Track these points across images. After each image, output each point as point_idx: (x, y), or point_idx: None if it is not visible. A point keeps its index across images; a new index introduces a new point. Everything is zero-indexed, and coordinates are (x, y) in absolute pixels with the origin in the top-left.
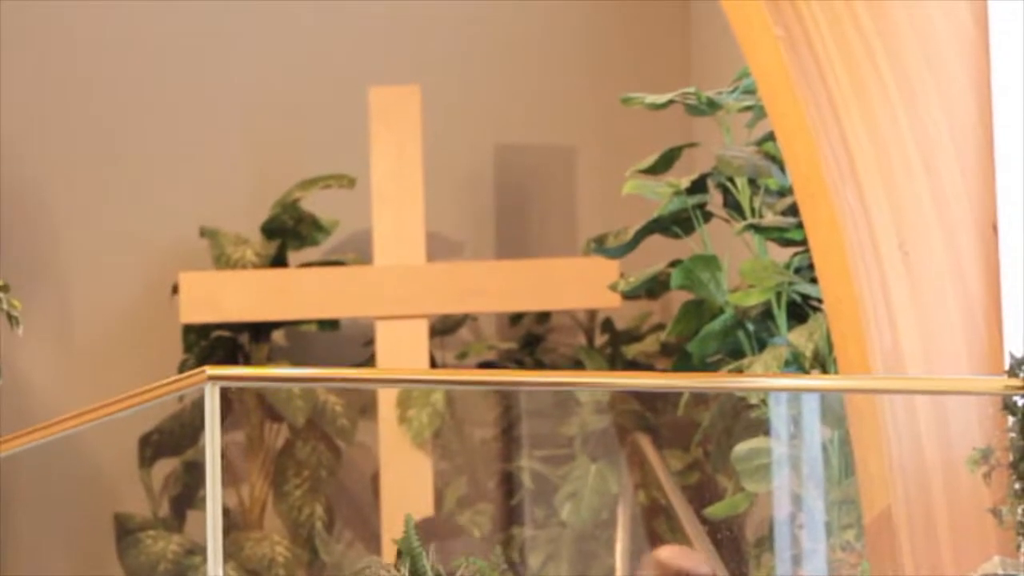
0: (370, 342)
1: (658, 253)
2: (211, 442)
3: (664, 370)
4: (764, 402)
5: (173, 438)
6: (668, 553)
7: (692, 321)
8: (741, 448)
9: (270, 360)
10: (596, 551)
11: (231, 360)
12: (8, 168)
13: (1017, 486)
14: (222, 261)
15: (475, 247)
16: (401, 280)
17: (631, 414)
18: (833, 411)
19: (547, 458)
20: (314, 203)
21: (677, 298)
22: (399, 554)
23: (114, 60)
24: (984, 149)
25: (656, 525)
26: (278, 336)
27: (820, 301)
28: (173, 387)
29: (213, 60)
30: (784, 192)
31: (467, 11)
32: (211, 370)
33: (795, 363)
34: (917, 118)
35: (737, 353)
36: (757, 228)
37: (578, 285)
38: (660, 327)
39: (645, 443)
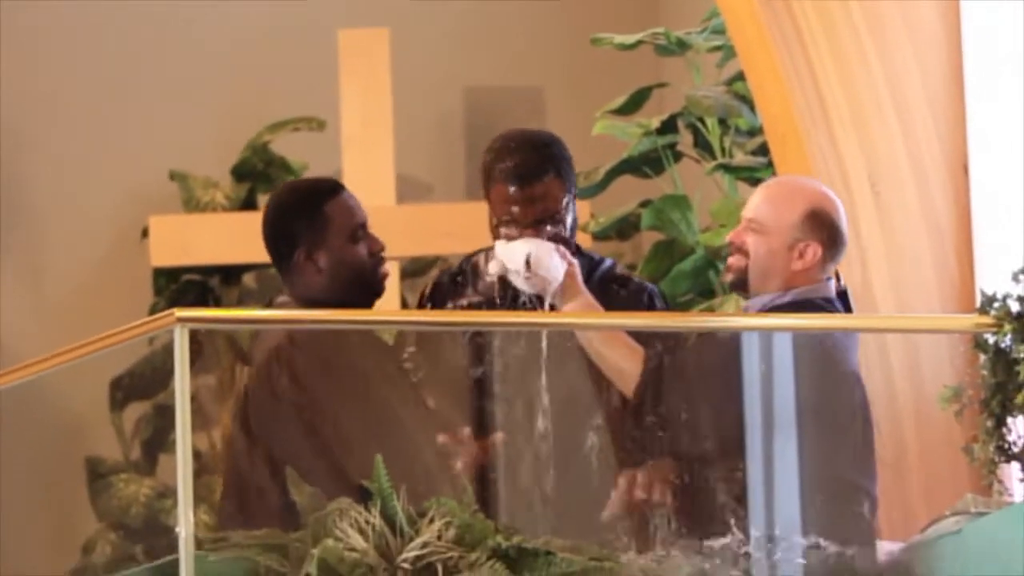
0: None
1: (628, 193)
2: (180, 385)
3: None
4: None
5: (144, 381)
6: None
7: (663, 261)
8: None
9: (240, 303)
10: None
11: (202, 303)
12: None
13: (989, 424)
14: (192, 204)
15: (445, 189)
16: (371, 222)
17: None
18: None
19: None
20: (284, 146)
21: (648, 238)
22: (370, 495)
23: (83, 4)
24: (955, 89)
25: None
26: (248, 279)
27: None
28: (142, 329)
29: (183, 3)
30: (754, 132)
31: None
32: (180, 312)
33: None
34: (888, 57)
35: (708, 293)
36: (727, 168)
37: None
38: (631, 268)
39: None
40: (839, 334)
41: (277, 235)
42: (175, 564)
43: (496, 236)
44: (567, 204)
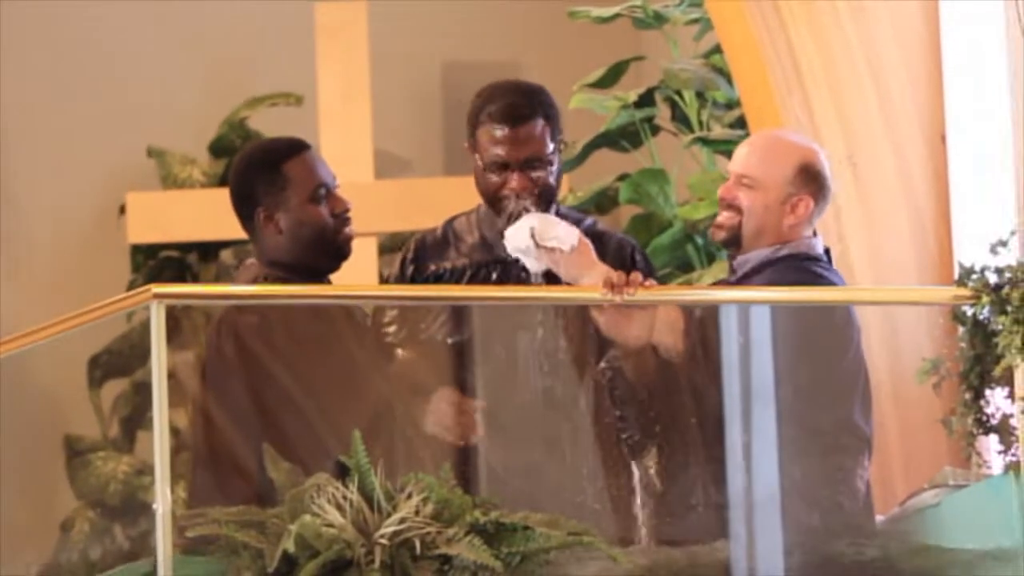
0: None
1: (606, 167)
2: (158, 361)
3: None
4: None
5: (122, 359)
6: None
7: (641, 235)
8: None
9: (218, 279)
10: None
11: (179, 279)
12: None
13: (967, 396)
14: (169, 181)
15: (423, 164)
16: (349, 198)
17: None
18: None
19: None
20: (261, 121)
21: (626, 212)
22: (347, 471)
23: None
24: (932, 60)
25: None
26: (226, 255)
27: None
28: (119, 306)
29: None
30: (732, 105)
31: None
32: (157, 288)
33: None
34: (865, 29)
35: (686, 266)
36: (705, 141)
37: None
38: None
39: None
40: (836, 279)
41: (239, 195)
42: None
43: (483, 185)
44: (554, 152)
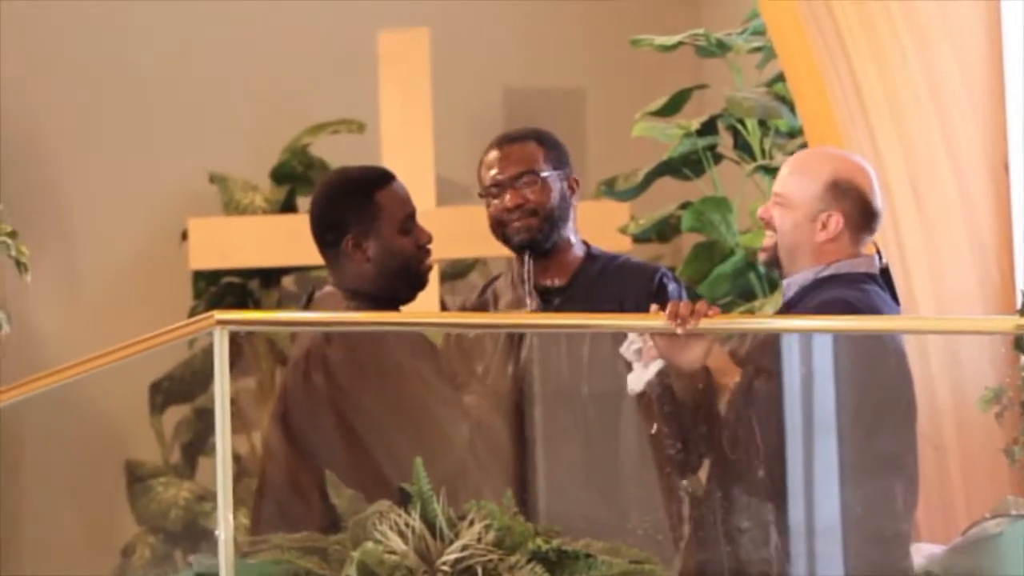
0: None
1: (668, 195)
2: (220, 387)
3: None
4: None
5: (184, 385)
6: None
7: (703, 263)
8: None
9: (280, 306)
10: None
11: (241, 306)
12: (15, 116)
13: None
14: (231, 207)
15: None
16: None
17: None
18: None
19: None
20: (323, 148)
21: (688, 240)
22: (410, 498)
23: (121, 9)
24: (994, 86)
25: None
26: (288, 282)
27: None
28: (182, 332)
29: (222, 5)
30: (794, 133)
31: None
32: (220, 314)
33: None
34: (927, 56)
35: (748, 295)
36: (767, 169)
37: (588, 228)
38: (671, 270)
39: None
40: (877, 300)
41: (326, 221)
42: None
43: (491, 221)
44: (553, 175)
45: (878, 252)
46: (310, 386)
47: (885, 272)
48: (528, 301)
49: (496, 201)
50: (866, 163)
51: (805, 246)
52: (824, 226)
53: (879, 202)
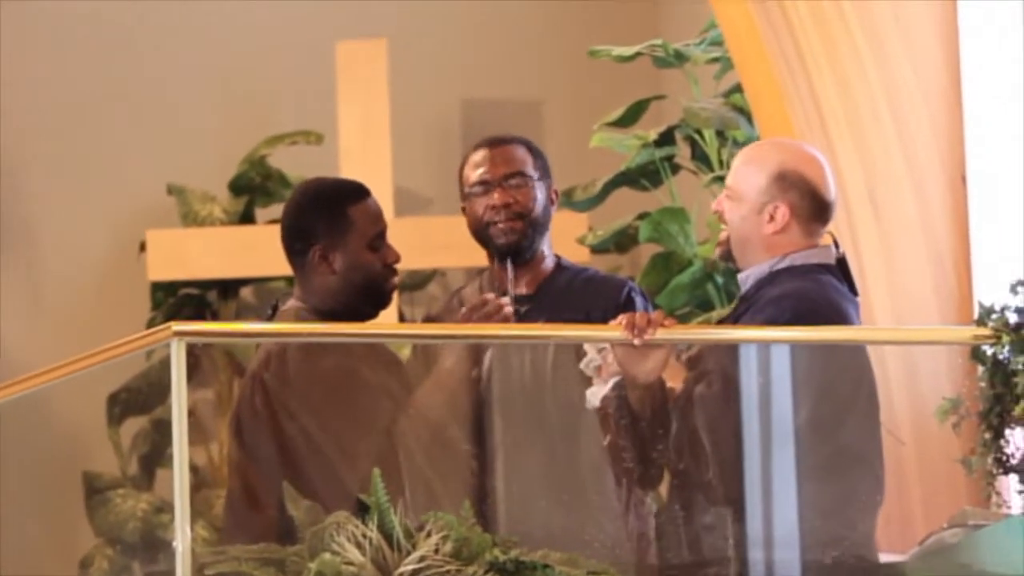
0: None
1: (626, 206)
2: (177, 398)
3: None
4: None
5: (141, 396)
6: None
7: (661, 274)
8: None
9: (238, 317)
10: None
11: (199, 317)
12: None
13: (987, 436)
14: (189, 218)
15: (443, 202)
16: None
17: None
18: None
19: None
20: (282, 159)
21: (646, 251)
22: (367, 509)
23: (80, 23)
24: (952, 98)
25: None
26: (246, 293)
27: None
28: (139, 343)
29: (179, 18)
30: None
31: None
32: (177, 326)
33: None
34: (885, 69)
35: (706, 305)
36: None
37: None
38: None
39: None
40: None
41: (295, 230)
42: None
43: (472, 219)
44: (539, 180)
45: (835, 242)
46: (254, 406)
47: (842, 262)
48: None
49: (482, 199)
50: (817, 153)
51: (754, 238)
52: (772, 218)
53: (830, 192)
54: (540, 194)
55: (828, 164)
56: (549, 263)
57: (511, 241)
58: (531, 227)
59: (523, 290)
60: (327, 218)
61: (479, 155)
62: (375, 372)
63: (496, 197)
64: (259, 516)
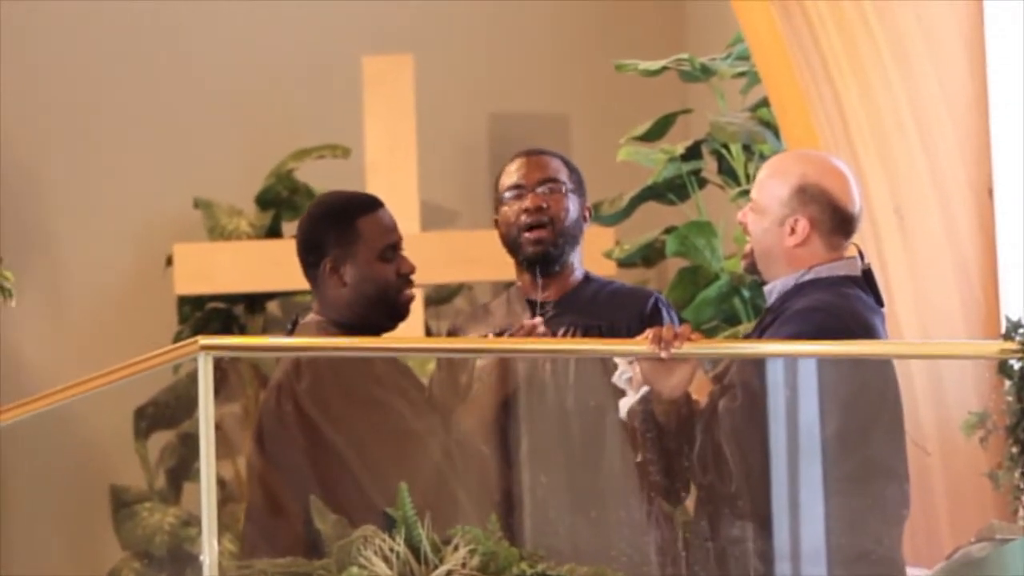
0: None
1: (653, 220)
2: (205, 412)
3: None
4: None
5: (168, 410)
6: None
7: (687, 288)
8: None
9: (265, 331)
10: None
11: (226, 331)
12: (2, 142)
13: (1014, 450)
14: (216, 232)
15: (469, 216)
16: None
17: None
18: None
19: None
20: (308, 173)
21: (673, 265)
22: (394, 523)
23: (106, 35)
24: (979, 113)
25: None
26: (273, 307)
27: None
28: (166, 357)
29: (205, 31)
30: None
31: None
32: (204, 340)
33: None
34: (911, 82)
35: (733, 320)
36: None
37: None
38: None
39: None
40: (858, 305)
41: (308, 243)
42: None
43: (504, 227)
44: (573, 191)
45: (860, 254)
46: (282, 417)
47: (867, 273)
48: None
49: (515, 203)
50: (842, 164)
51: (776, 251)
52: (792, 231)
53: (853, 205)
54: (572, 205)
55: (853, 176)
56: (578, 275)
57: (539, 251)
58: (560, 237)
59: (548, 297)
60: (337, 230)
61: (515, 163)
62: (403, 384)
63: (528, 201)
64: (283, 528)
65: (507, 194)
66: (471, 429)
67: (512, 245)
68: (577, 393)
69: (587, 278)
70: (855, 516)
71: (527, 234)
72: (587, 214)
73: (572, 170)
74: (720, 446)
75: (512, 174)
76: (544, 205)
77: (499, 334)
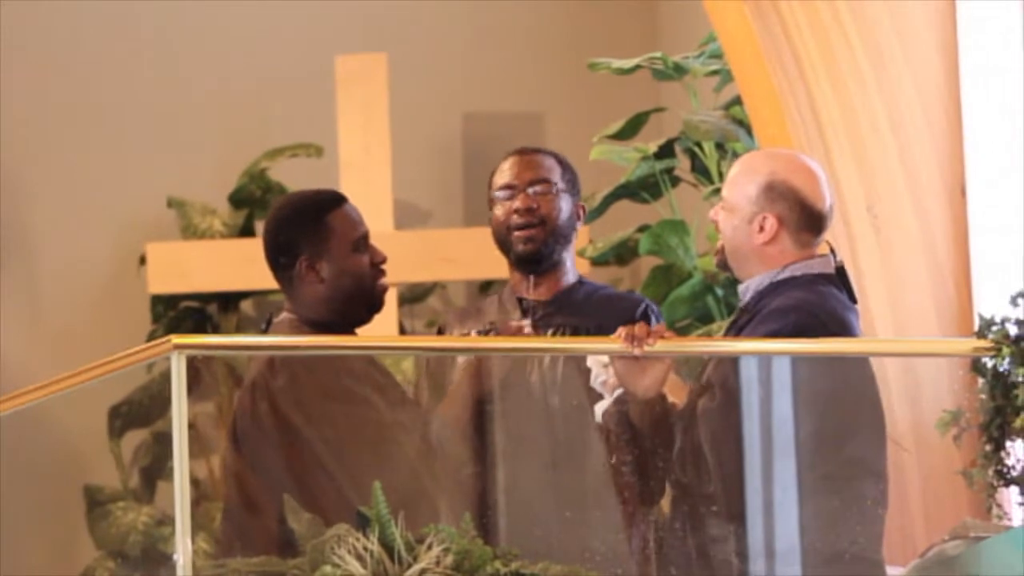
0: None
1: (626, 219)
2: (178, 411)
3: None
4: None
5: (142, 409)
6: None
7: (661, 286)
8: None
9: (239, 330)
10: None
11: (200, 330)
12: None
13: (987, 448)
14: (190, 231)
15: (443, 215)
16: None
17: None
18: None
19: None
20: (282, 172)
21: (646, 263)
22: (368, 522)
23: (80, 36)
24: (952, 112)
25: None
26: (247, 306)
27: None
28: (139, 356)
29: (179, 32)
30: None
31: None
32: (177, 339)
33: None
34: (885, 81)
35: (706, 318)
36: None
37: None
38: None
39: None
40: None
41: (279, 245)
42: None
43: (496, 225)
44: (566, 191)
45: (832, 251)
46: (257, 416)
47: (840, 270)
48: (524, 324)
49: (506, 203)
50: (812, 162)
51: (746, 248)
52: (761, 228)
53: (822, 203)
54: (564, 205)
55: (823, 174)
56: (571, 277)
57: (530, 249)
58: (551, 236)
59: (539, 296)
60: (308, 229)
61: (508, 162)
62: (379, 382)
63: (519, 201)
64: (259, 527)
65: (499, 193)
66: (446, 427)
67: (503, 244)
68: (553, 392)
69: (580, 281)
70: (832, 515)
71: (517, 233)
72: (580, 213)
73: (566, 169)
74: (698, 446)
75: (505, 173)
76: (535, 206)
77: (484, 333)
